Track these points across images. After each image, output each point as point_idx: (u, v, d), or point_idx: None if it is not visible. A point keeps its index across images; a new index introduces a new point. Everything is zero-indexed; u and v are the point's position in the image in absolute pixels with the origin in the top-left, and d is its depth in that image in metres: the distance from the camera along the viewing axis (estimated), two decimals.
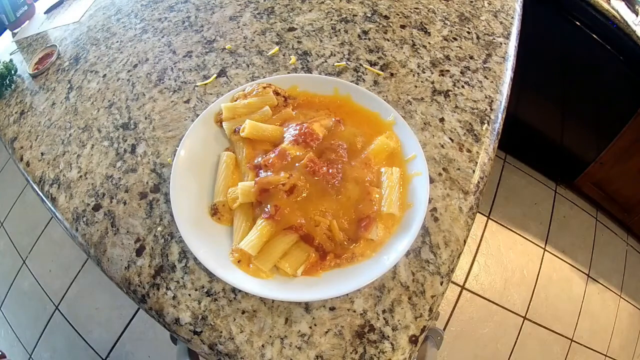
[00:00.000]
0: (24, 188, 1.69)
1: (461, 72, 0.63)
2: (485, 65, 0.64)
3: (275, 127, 0.52)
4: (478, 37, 0.68)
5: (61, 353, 1.38)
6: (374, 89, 0.61)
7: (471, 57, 0.65)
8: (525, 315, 1.43)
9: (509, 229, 1.59)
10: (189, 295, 0.44)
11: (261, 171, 0.47)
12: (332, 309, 0.43)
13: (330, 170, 0.47)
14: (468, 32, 0.69)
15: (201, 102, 0.61)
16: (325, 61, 0.65)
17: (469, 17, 0.71)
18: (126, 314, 1.39)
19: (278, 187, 0.44)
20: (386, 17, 0.71)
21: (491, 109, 0.59)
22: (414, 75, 0.62)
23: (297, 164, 0.47)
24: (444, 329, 1.36)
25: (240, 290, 0.44)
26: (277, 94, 0.55)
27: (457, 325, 1.37)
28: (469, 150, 0.54)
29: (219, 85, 0.63)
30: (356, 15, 0.71)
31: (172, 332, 0.44)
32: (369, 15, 0.71)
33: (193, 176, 0.50)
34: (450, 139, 0.55)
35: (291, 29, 0.70)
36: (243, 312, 0.43)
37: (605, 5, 1.04)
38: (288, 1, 0.75)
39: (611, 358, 1.42)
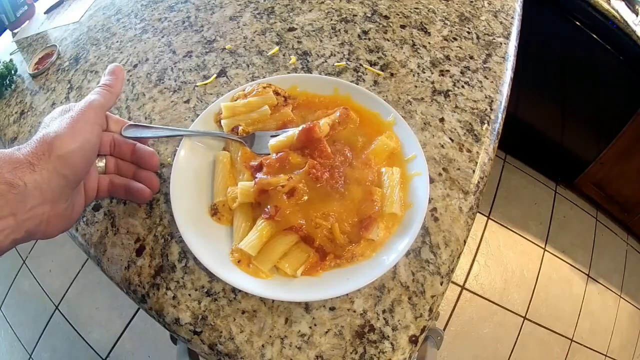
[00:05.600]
0: None
1: (461, 72, 0.63)
2: (485, 65, 0.64)
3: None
4: (478, 37, 0.68)
5: (61, 353, 1.38)
6: (374, 89, 0.61)
7: (471, 57, 0.65)
8: (525, 315, 1.43)
9: (509, 229, 1.59)
10: (189, 295, 0.44)
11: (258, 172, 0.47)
12: (332, 309, 0.43)
13: (334, 175, 0.46)
14: (468, 32, 0.69)
15: (201, 102, 0.61)
16: (325, 61, 0.65)
17: (469, 17, 0.71)
18: (126, 314, 1.39)
19: (277, 189, 0.44)
20: (386, 17, 0.71)
21: (491, 109, 0.59)
22: (414, 75, 0.62)
23: (296, 172, 0.46)
24: (444, 329, 1.36)
25: (240, 290, 0.44)
26: (277, 93, 0.55)
27: (457, 325, 1.38)
28: (469, 150, 0.54)
29: (219, 85, 0.63)
30: (356, 15, 0.71)
31: (172, 332, 0.44)
32: (369, 15, 0.71)
33: (193, 176, 0.50)
34: (450, 139, 0.55)
35: (291, 29, 0.70)
36: (243, 312, 0.43)
37: (605, 5, 1.04)
38: (288, 1, 0.75)
39: (611, 358, 1.42)
